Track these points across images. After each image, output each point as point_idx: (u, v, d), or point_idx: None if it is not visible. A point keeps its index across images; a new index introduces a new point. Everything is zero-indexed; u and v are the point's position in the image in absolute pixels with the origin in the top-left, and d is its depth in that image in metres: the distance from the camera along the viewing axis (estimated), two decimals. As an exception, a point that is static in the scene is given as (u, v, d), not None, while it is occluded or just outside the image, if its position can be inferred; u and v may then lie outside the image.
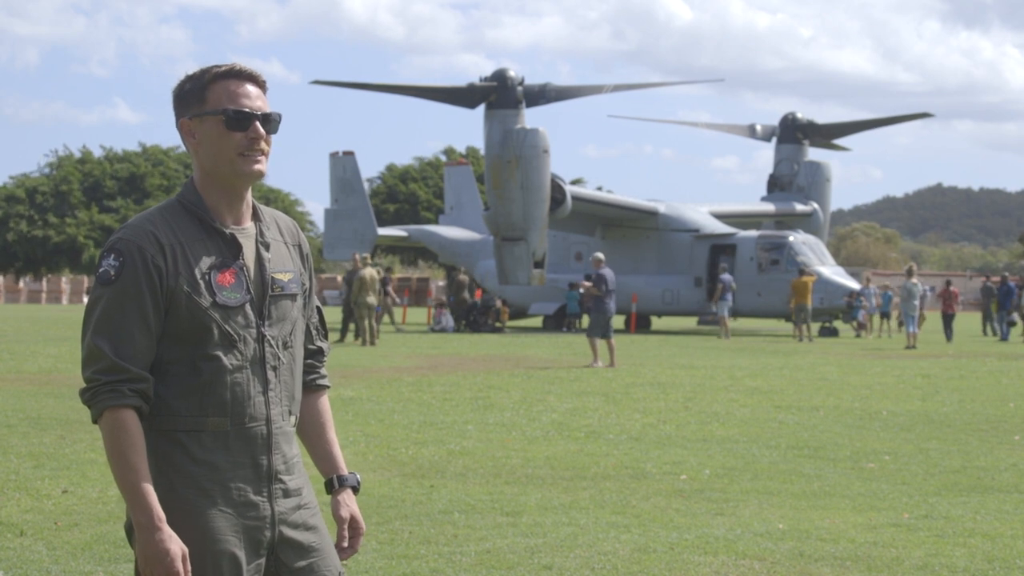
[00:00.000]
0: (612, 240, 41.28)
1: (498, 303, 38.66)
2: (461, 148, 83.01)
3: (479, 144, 40.94)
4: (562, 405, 14.74)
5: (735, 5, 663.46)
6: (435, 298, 51.81)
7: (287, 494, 3.17)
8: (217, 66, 3.16)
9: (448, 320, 37.73)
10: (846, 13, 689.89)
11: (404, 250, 75.06)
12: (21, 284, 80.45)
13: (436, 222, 57.27)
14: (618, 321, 42.73)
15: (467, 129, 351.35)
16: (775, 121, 47.49)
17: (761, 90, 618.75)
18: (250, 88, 3.16)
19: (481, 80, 37.27)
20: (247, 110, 3.12)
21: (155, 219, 3.12)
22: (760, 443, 11.65)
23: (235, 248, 3.15)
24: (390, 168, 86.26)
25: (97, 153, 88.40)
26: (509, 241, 37.00)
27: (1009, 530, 7.77)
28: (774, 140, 47.48)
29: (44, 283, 79.59)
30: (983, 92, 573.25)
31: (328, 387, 3.43)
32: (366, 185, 50.70)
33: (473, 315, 38.99)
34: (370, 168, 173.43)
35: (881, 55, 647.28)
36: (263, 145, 3.15)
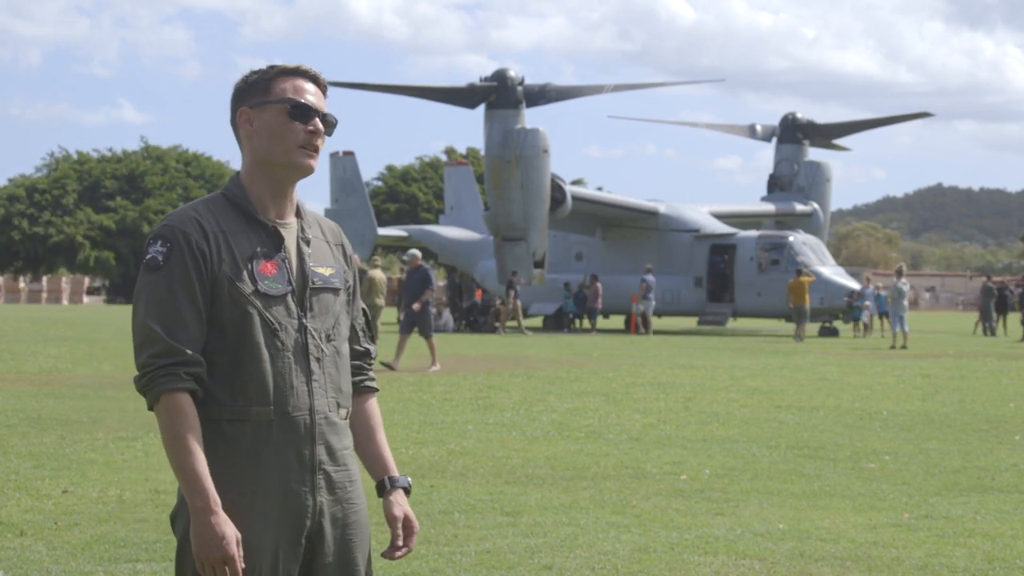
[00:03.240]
0: (612, 240, 41.29)
1: (498, 303, 38.65)
2: (462, 148, 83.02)
3: (479, 144, 40.96)
4: (562, 405, 14.73)
5: (738, 6, 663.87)
6: (435, 298, 51.78)
7: (330, 485, 3.19)
8: (284, 64, 3.25)
9: (448, 320, 37.73)
10: (849, 14, 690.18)
11: (404, 250, 75.08)
12: (21, 284, 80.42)
13: (436, 222, 57.29)
14: (618, 321, 42.84)
15: (467, 129, 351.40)
16: (778, 122, 47.50)
17: (764, 90, 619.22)
18: (313, 87, 3.24)
19: (481, 80, 37.27)
20: (310, 105, 3.19)
21: (199, 208, 3.18)
22: (760, 443, 11.65)
23: (277, 240, 3.18)
24: (390, 168, 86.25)
25: (94, 157, 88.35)
26: (509, 241, 37.01)
27: (1009, 530, 7.77)
28: (774, 140, 47.50)
29: (44, 283, 79.54)
30: (985, 92, 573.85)
31: (376, 389, 3.43)
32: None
33: (473, 315, 38.98)
34: (370, 168, 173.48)
35: (884, 55, 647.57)
36: (319, 142, 3.21)
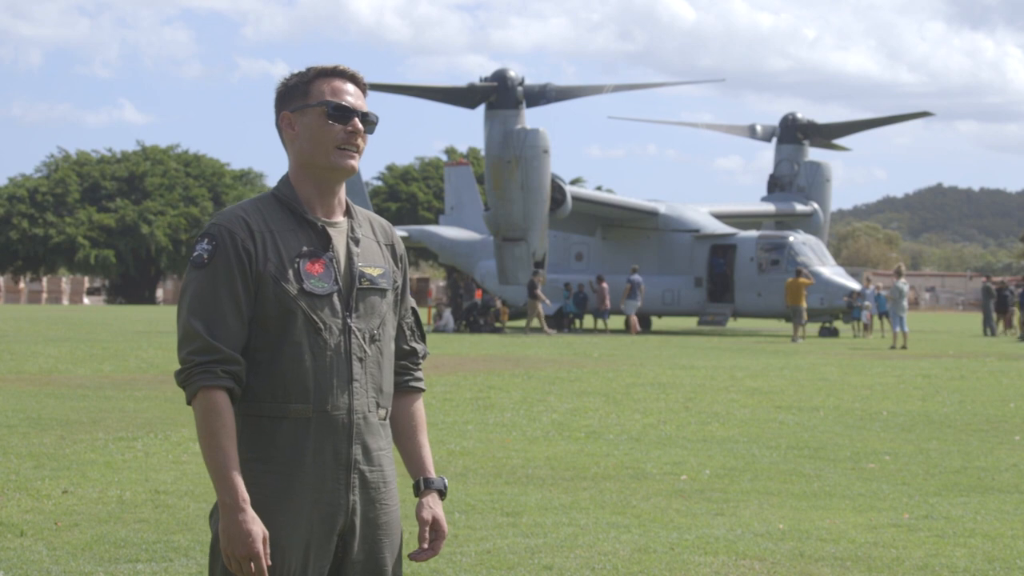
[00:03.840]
0: (612, 240, 41.28)
1: (498, 303, 38.63)
2: (462, 148, 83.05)
3: (479, 144, 40.97)
4: (562, 405, 14.73)
5: (739, 6, 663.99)
6: (435, 298, 51.77)
7: (364, 485, 3.21)
8: (322, 65, 3.28)
9: (448, 320, 37.72)
10: (850, 14, 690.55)
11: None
12: (21, 284, 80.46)
13: (436, 222, 57.27)
14: (617, 321, 42.83)
15: (468, 129, 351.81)
16: (778, 122, 47.47)
17: (764, 91, 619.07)
18: (352, 87, 3.26)
19: (482, 80, 37.25)
20: (348, 105, 3.22)
21: (248, 208, 3.22)
22: (760, 443, 11.65)
23: (325, 240, 3.21)
24: (390, 168, 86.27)
25: (94, 158, 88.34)
26: (509, 241, 36.98)
27: (1009, 530, 7.77)
28: (774, 140, 47.48)
29: (44, 283, 79.59)
30: (986, 93, 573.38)
31: (423, 390, 3.44)
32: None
33: (473, 315, 38.96)
34: (370, 168, 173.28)
35: (885, 56, 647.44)
36: (360, 141, 3.24)
